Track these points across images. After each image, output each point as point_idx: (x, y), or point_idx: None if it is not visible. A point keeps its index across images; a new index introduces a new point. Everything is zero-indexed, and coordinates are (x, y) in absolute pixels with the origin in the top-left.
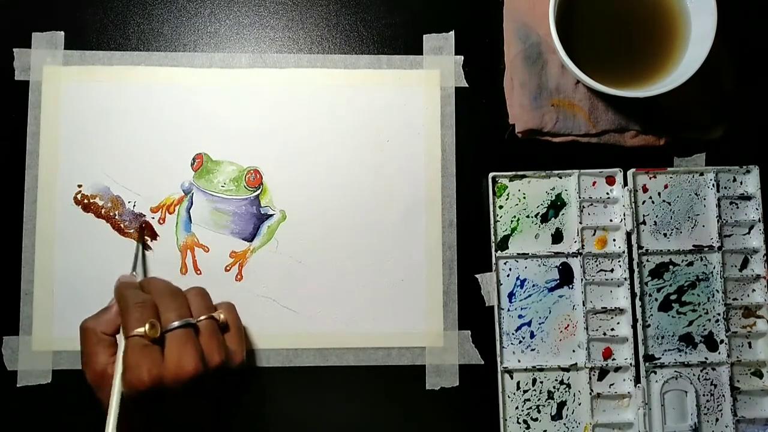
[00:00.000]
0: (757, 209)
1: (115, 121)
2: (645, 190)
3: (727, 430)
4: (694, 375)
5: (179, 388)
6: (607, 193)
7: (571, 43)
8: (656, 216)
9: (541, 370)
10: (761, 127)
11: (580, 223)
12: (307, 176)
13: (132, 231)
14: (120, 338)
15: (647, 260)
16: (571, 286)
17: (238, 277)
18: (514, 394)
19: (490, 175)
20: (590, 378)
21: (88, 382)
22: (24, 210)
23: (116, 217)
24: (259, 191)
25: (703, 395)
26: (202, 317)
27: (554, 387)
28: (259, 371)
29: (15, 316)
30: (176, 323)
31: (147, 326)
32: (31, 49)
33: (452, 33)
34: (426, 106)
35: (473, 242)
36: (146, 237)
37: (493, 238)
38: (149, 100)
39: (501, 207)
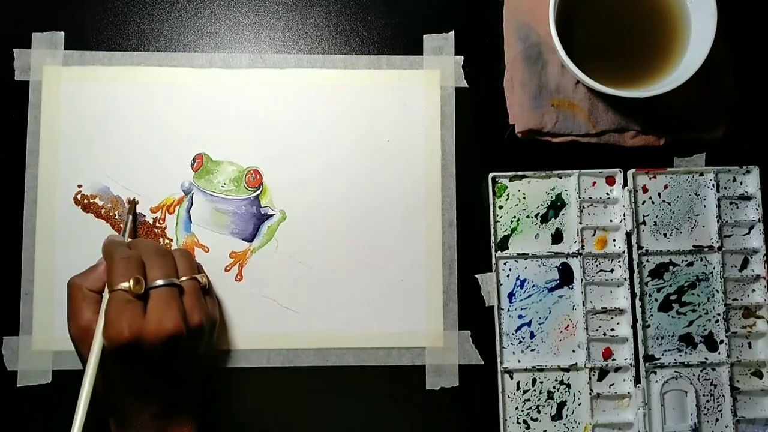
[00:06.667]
0: (757, 209)
1: (115, 121)
2: (645, 190)
3: (727, 431)
4: (694, 375)
5: (158, 345)
6: (607, 194)
7: (571, 43)
8: (656, 216)
9: (541, 370)
10: (761, 127)
11: (580, 223)
12: (307, 176)
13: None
14: (105, 293)
15: (647, 260)
16: (571, 286)
17: (238, 277)
18: (514, 394)
19: (490, 175)
20: (590, 378)
21: (72, 337)
22: (24, 210)
23: (116, 217)
24: (259, 191)
25: (703, 395)
26: (185, 277)
27: (554, 387)
28: (260, 371)
29: (15, 316)
30: (161, 281)
31: (132, 281)
32: (31, 49)
33: (452, 33)
34: (426, 106)
35: (473, 242)
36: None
37: (493, 238)
38: (149, 100)
39: (501, 207)
